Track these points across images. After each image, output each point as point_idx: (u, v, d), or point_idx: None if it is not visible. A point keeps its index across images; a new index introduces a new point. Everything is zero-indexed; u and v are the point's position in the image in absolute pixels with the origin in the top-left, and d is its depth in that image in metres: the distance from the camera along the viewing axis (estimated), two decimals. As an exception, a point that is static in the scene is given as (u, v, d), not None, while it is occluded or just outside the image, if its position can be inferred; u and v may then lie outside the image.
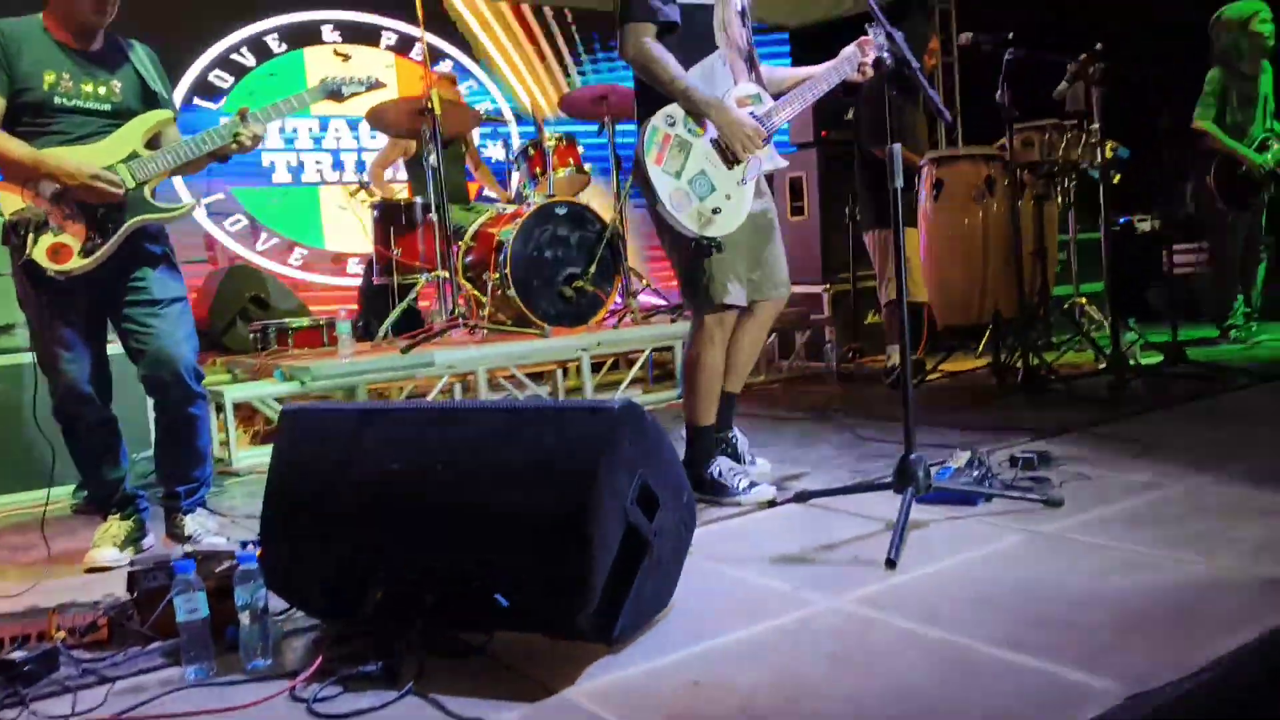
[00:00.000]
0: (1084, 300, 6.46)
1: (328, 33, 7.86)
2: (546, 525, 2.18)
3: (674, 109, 3.21)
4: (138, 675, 2.31)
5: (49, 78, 3.18)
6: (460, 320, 5.38)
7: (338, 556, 2.40)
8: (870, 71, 3.48)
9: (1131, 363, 5.14)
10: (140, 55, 3.43)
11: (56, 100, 3.20)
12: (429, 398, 5.20)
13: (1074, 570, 2.50)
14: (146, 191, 3.25)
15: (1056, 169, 5.29)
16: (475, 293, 5.78)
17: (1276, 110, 6.25)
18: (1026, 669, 1.88)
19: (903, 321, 3.23)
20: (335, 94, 3.70)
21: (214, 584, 2.37)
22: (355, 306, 6.80)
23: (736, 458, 3.65)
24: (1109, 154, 5.21)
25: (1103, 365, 5.16)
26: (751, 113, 3.29)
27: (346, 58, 7.40)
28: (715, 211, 3.20)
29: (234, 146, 3.35)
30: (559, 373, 5.83)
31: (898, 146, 2.97)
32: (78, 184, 3.09)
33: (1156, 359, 5.38)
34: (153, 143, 3.33)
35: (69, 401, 3.29)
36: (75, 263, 3.13)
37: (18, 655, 2.25)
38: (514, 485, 2.26)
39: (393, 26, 8.01)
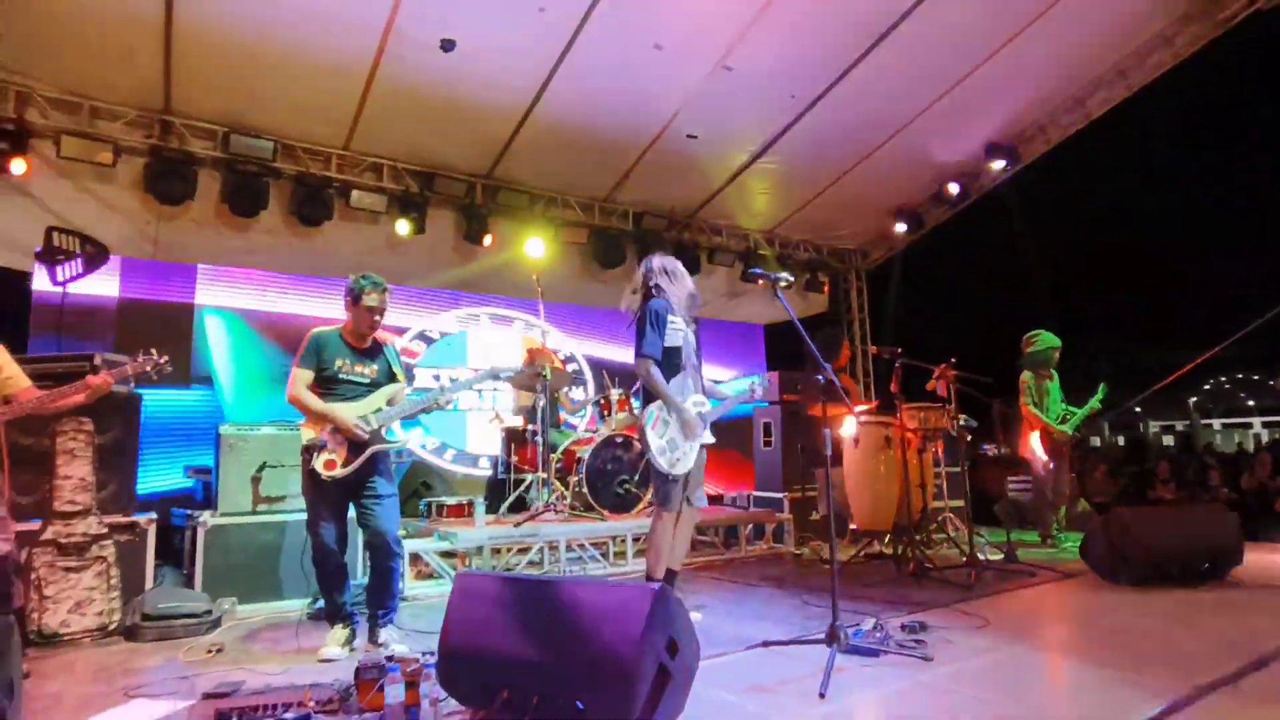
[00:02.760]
0: (951, 514, 6.24)
1: (483, 320, 7.98)
2: (610, 662, 2.31)
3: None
4: None
5: (339, 363, 3.52)
6: (551, 506, 5.31)
7: (481, 669, 2.50)
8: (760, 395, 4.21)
9: (981, 558, 5.02)
10: (390, 349, 3.71)
11: (341, 376, 3.51)
12: (529, 555, 5.07)
13: (938, 706, 2.60)
14: (382, 431, 3.54)
15: (928, 433, 5.37)
16: (561, 488, 5.62)
17: (1062, 399, 6.28)
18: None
19: (830, 528, 3.46)
20: (495, 376, 4.04)
21: (408, 679, 2.53)
22: (485, 491, 6.58)
23: None
24: (961, 423, 5.39)
25: (964, 560, 4.90)
26: (699, 413, 3.77)
27: (493, 335, 7.78)
28: (678, 461, 3.59)
29: (434, 406, 3.68)
30: (610, 542, 5.62)
31: (828, 431, 3.31)
32: (345, 427, 3.41)
33: (998, 556, 5.26)
34: (392, 401, 3.59)
35: (320, 552, 3.43)
36: (338, 472, 3.39)
37: (288, 716, 2.40)
38: (590, 633, 2.39)
39: (519, 315, 8.09)
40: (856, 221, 9.55)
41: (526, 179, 7.72)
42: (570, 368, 7.94)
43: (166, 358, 3.18)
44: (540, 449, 5.55)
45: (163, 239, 6.47)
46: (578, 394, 6.55)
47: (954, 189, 8.66)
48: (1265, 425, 28.70)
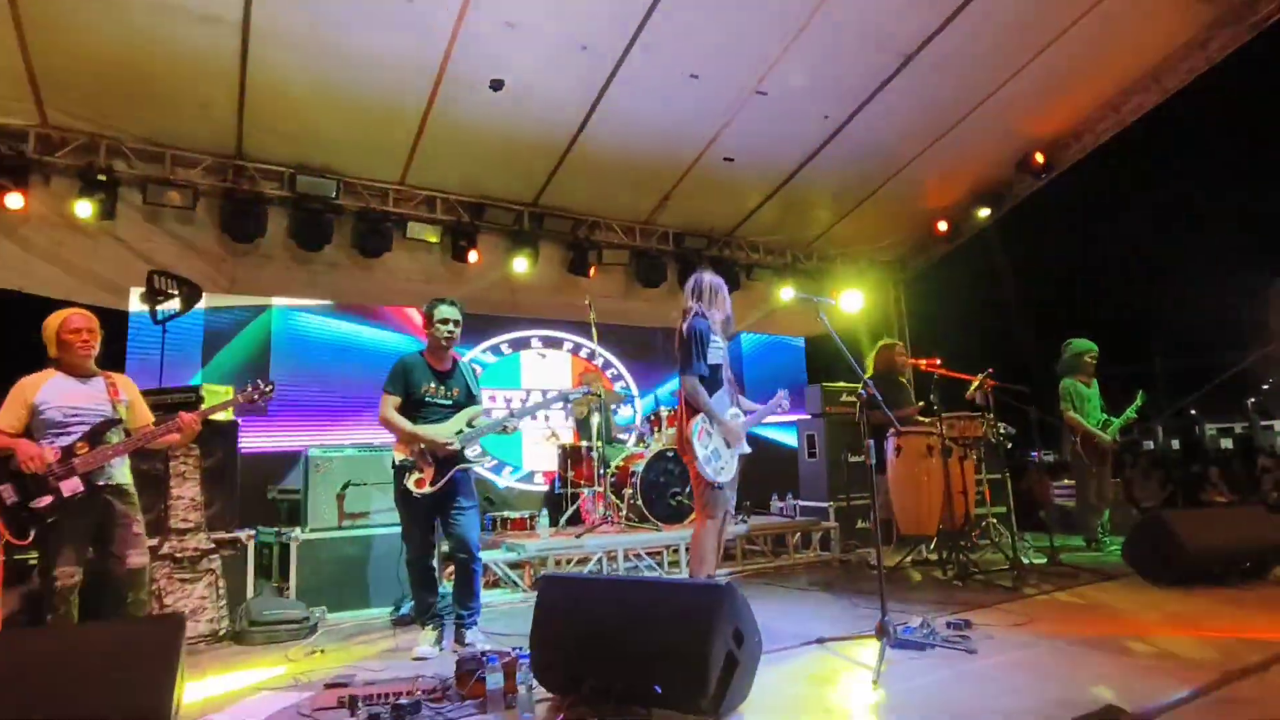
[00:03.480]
0: (994, 520, 6.35)
1: (534, 342, 8.38)
2: (685, 651, 2.64)
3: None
4: (465, 718, 2.76)
5: (425, 387, 3.91)
6: (607, 519, 5.63)
7: (569, 659, 2.86)
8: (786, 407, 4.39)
9: (1025, 562, 5.26)
10: (466, 369, 4.09)
11: (427, 399, 3.90)
12: (589, 564, 5.34)
13: (982, 692, 2.88)
14: (465, 451, 3.93)
15: (968, 441, 5.55)
16: (617, 501, 5.94)
17: (1102, 405, 6.45)
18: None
19: (875, 532, 3.76)
20: (565, 400, 4.40)
21: (506, 669, 2.90)
22: (542, 505, 6.83)
23: None
24: (1001, 432, 5.61)
25: (1007, 564, 5.21)
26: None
27: (543, 356, 8.20)
28: (722, 469, 3.88)
29: (503, 430, 4.05)
30: (664, 552, 5.88)
31: (871, 442, 3.63)
32: (434, 447, 3.81)
33: (1042, 560, 5.48)
34: (472, 422, 3.96)
35: (413, 558, 3.84)
36: (427, 489, 3.78)
37: (404, 702, 2.78)
38: (665, 625, 2.73)
39: (569, 338, 8.50)
40: (893, 232, 9.78)
41: (570, 205, 8.14)
42: (618, 386, 8.32)
43: (272, 385, 3.61)
44: (595, 464, 5.92)
45: (238, 274, 7.02)
46: (625, 411, 6.88)
47: (989, 198, 8.85)
48: (1331, 424, 27.84)
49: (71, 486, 3.10)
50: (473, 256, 7.69)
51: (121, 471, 3.37)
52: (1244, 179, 7.44)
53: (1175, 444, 8.34)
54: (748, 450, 4.13)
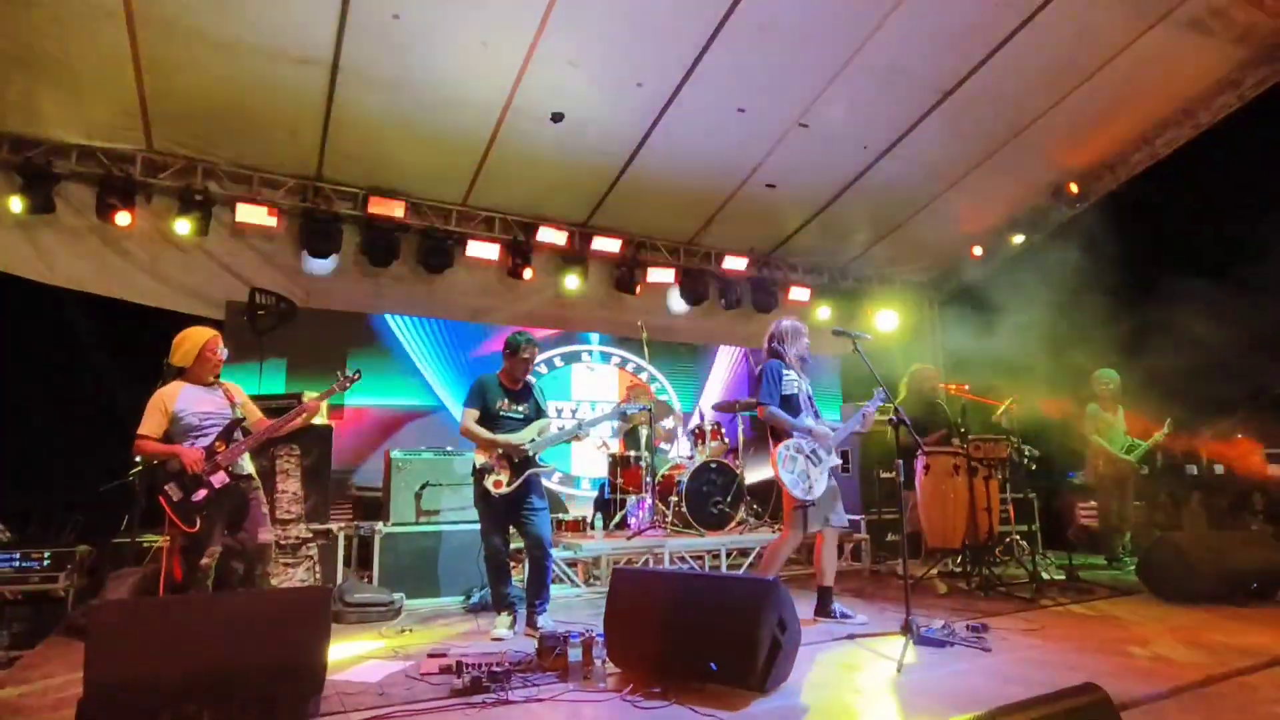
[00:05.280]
0: (1018, 536, 6.66)
1: (585, 356, 8.93)
2: (737, 635, 3.17)
3: (790, 443, 4.48)
4: (546, 685, 3.29)
5: (499, 403, 4.49)
6: (655, 523, 6.12)
7: (636, 639, 3.41)
8: (871, 423, 4.85)
9: (1045, 577, 5.67)
10: (536, 388, 4.65)
11: (501, 414, 4.48)
12: (637, 564, 5.74)
13: (989, 681, 3.38)
14: (536, 457, 4.52)
15: (993, 462, 5.93)
16: (663, 508, 6.40)
17: (1127, 429, 6.84)
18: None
19: (904, 546, 4.28)
20: (623, 415, 4.95)
21: (585, 645, 3.46)
22: (592, 509, 7.22)
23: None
24: (1026, 453, 6.04)
25: (1027, 578, 5.60)
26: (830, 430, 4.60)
27: (592, 369, 8.80)
28: (811, 487, 4.39)
29: (574, 438, 4.62)
30: (706, 556, 6.19)
31: (900, 461, 4.15)
32: (511, 452, 4.39)
33: (1060, 576, 5.89)
34: (541, 433, 4.50)
35: (491, 552, 4.40)
36: (504, 490, 4.35)
37: (498, 670, 3.34)
38: (721, 613, 3.27)
39: (618, 352, 9.01)
40: (927, 257, 10.26)
41: (619, 226, 8.75)
42: (662, 398, 8.83)
43: (358, 370, 4.18)
44: (644, 473, 6.47)
45: (313, 288, 7.72)
46: (668, 423, 7.41)
47: (1022, 226, 9.28)
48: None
49: (220, 479, 3.76)
50: (527, 274, 8.31)
51: (248, 462, 4.02)
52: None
53: (1218, 469, 8.52)
54: (837, 462, 4.67)
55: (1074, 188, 8.78)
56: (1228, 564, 5.11)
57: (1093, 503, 7.19)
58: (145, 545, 5.05)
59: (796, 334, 4.75)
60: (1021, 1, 6.44)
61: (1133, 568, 6.24)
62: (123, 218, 6.69)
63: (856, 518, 7.21)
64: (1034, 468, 6.14)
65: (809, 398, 4.73)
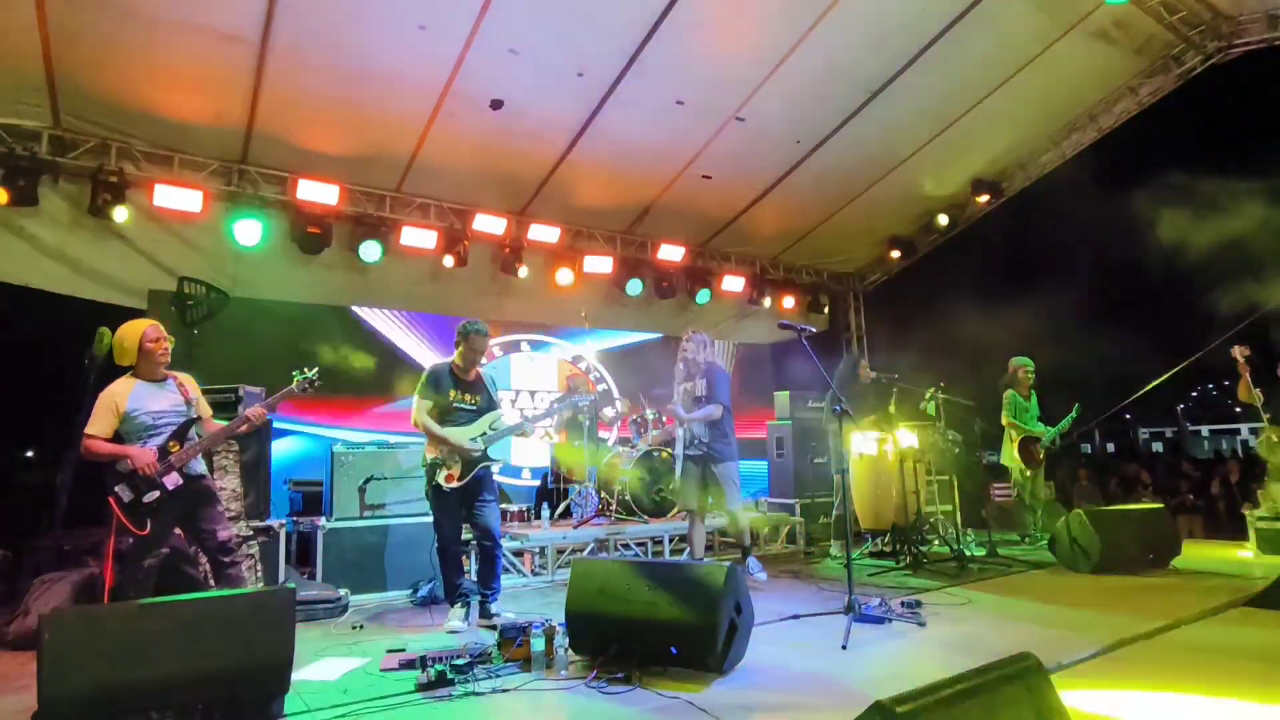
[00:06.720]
0: (942, 516, 7.08)
1: (524, 346, 8.92)
2: (696, 619, 3.30)
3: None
4: (509, 676, 3.34)
5: (452, 394, 4.47)
6: (599, 511, 6.22)
7: (598, 626, 3.49)
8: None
9: (967, 553, 6.06)
10: (487, 378, 4.65)
11: (454, 405, 4.46)
12: (582, 553, 5.84)
13: (930, 654, 3.64)
14: (486, 450, 4.52)
15: (921, 450, 6.31)
16: (607, 497, 6.52)
17: (1039, 416, 7.26)
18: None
19: (847, 525, 4.50)
20: (575, 406, 5.00)
21: (547, 635, 3.52)
22: (535, 500, 7.40)
23: None
24: (950, 440, 6.42)
25: (951, 555, 6.01)
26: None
27: (531, 359, 8.74)
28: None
29: (523, 434, 4.65)
30: (649, 542, 6.34)
31: (833, 445, 4.36)
32: (459, 448, 4.39)
33: (981, 552, 6.29)
34: (493, 426, 4.53)
35: (444, 544, 4.39)
36: (455, 484, 4.36)
37: (460, 662, 3.37)
38: (681, 599, 3.38)
39: (556, 342, 9.06)
40: (854, 248, 10.65)
41: (556, 215, 8.73)
42: (600, 388, 8.94)
43: (316, 370, 4.02)
44: (586, 460, 6.54)
45: (240, 276, 7.43)
46: (608, 412, 7.49)
47: (943, 220, 9.75)
48: (1251, 431, 30.04)
49: (173, 481, 3.62)
50: (464, 262, 8.20)
51: (201, 462, 3.88)
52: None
53: (1110, 447, 9.13)
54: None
55: (989, 184, 9.27)
56: (1127, 539, 5.57)
57: (1006, 483, 7.64)
58: (67, 548, 4.80)
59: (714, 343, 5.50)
60: (945, 8, 6.78)
61: (1044, 543, 6.66)
62: (27, 198, 6.27)
63: (791, 501, 7.50)
64: (956, 451, 6.53)
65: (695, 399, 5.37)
